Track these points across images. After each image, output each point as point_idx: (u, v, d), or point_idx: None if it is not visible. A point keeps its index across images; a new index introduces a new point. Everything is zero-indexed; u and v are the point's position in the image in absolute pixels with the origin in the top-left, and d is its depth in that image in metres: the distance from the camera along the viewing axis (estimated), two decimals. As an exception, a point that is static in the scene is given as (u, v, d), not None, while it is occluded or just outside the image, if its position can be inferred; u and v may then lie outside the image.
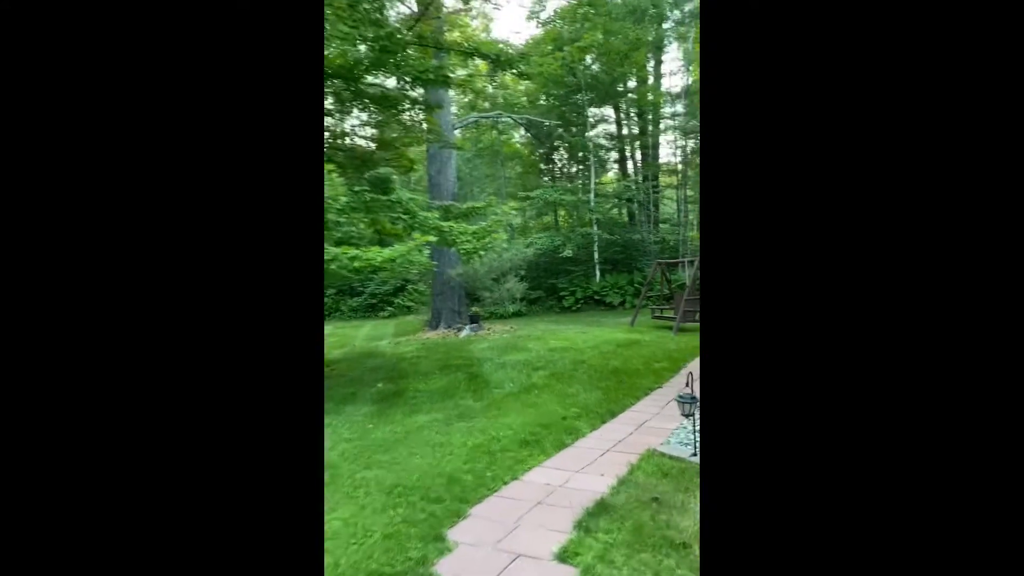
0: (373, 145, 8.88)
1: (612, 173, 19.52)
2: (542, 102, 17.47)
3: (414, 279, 16.55)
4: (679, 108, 17.10)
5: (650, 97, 17.15)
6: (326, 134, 8.01)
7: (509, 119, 16.97)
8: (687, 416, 3.92)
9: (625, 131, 18.45)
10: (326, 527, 2.96)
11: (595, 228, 15.65)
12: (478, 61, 9.63)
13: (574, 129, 16.69)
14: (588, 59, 15.93)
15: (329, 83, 6.27)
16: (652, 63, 17.89)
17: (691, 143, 16.98)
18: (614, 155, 18.77)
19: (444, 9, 11.46)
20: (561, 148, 18.04)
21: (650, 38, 16.40)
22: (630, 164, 18.82)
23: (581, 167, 18.17)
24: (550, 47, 14.95)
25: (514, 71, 7.77)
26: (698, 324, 10.09)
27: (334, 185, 7.28)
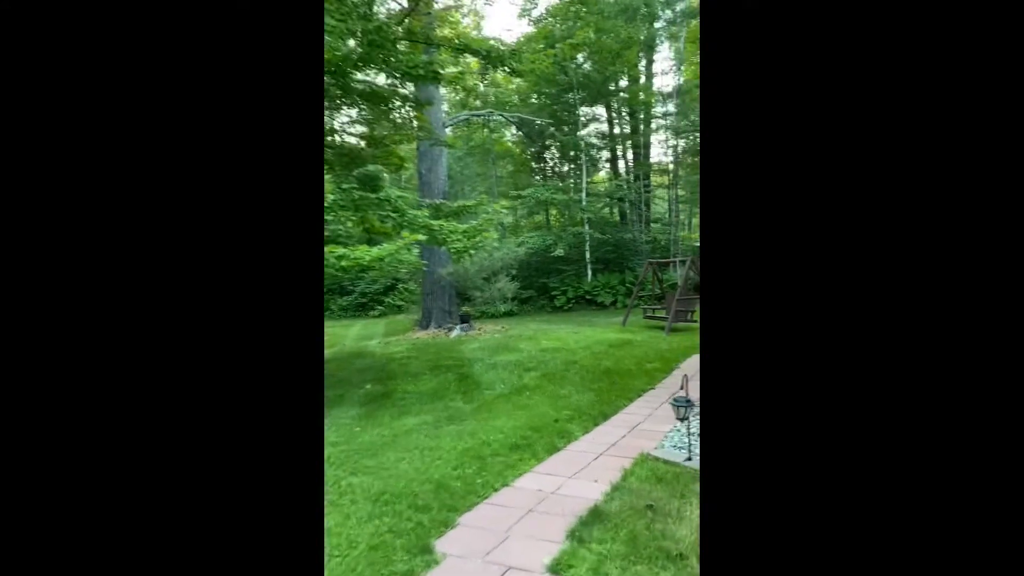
0: (362, 142, 8.73)
1: (604, 172, 19.49)
2: (534, 101, 17.39)
3: (404, 278, 16.43)
4: (670, 107, 17.08)
5: (641, 96, 17.13)
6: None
7: (500, 117, 16.86)
8: (681, 420, 3.84)
9: (617, 130, 18.40)
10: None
11: (586, 227, 15.59)
12: (469, 58, 9.52)
13: (566, 128, 16.61)
14: (580, 58, 15.86)
15: (317, 79, 6.12)
16: (644, 62, 17.88)
17: (682, 143, 16.96)
18: (606, 154, 18.72)
19: (435, 5, 11.33)
20: (552, 147, 17.95)
21: (642, 37, 16.38)
22: (621, 163, 18.78)
23: (572, 166, 18.10)
24: (542, 44, 14.85)
25: (505, 68, 7.65)
26: (690, 324, 10.08)
27: (322, 182, 7.15)
